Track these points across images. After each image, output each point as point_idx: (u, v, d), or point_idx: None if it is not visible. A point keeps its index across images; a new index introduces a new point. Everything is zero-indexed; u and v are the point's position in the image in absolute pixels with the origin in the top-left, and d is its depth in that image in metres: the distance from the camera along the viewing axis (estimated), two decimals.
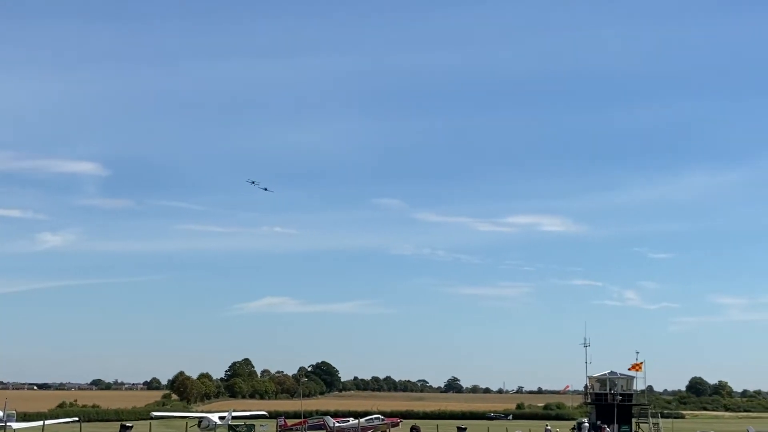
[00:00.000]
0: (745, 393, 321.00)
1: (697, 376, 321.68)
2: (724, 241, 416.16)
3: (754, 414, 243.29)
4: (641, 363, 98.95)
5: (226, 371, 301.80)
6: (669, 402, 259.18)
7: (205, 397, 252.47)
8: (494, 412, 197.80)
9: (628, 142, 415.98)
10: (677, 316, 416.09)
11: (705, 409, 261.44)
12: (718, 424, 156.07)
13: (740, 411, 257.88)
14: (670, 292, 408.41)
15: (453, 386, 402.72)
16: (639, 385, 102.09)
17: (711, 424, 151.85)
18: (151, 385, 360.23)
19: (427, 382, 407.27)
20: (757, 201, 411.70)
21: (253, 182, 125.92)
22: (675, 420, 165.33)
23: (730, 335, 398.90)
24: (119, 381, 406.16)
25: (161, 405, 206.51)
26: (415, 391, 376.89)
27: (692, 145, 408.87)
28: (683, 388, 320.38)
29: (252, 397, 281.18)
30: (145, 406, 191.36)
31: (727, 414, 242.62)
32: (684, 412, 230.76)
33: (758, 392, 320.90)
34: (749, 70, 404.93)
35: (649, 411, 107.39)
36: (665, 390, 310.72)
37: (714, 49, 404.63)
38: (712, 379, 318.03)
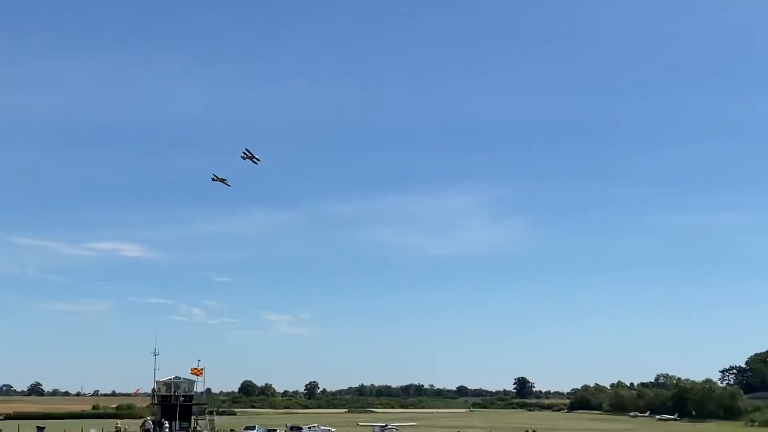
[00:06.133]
0: (285, 393, 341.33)
1: (248, 379, 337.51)
2: (276, 268, 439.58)
3: (293, 410, 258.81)
4: (202, 369, 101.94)
5: None
6: (224, 401, 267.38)
7: None
8: None
9: (194, 182, 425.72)
10: (234, 330, 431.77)
11: (253, 407, 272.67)
12: (262, 419, 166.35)
13: (281, 408, 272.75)
14: (230, 310, 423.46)
15: (35, 390, 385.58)
16: (199, 388, 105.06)
17: (257, 419, 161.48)
18: None
19: (12, 387, 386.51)
20: (307, 236, 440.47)
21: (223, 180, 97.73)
22: (229, 417, 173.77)
23: (276, 346, 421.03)
24: None
25: None
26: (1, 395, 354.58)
27: (255, 187, 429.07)
28: (236, 390, 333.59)
29: None
30: None
31: (270, 411, 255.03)
32: (236, 410, 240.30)
33: (296, 392, 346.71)
34: (308, 124, 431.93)
35: (207, 410, 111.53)
36: (221, 391, 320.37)
37: (286, 106, 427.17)
38: (260, 382, 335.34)
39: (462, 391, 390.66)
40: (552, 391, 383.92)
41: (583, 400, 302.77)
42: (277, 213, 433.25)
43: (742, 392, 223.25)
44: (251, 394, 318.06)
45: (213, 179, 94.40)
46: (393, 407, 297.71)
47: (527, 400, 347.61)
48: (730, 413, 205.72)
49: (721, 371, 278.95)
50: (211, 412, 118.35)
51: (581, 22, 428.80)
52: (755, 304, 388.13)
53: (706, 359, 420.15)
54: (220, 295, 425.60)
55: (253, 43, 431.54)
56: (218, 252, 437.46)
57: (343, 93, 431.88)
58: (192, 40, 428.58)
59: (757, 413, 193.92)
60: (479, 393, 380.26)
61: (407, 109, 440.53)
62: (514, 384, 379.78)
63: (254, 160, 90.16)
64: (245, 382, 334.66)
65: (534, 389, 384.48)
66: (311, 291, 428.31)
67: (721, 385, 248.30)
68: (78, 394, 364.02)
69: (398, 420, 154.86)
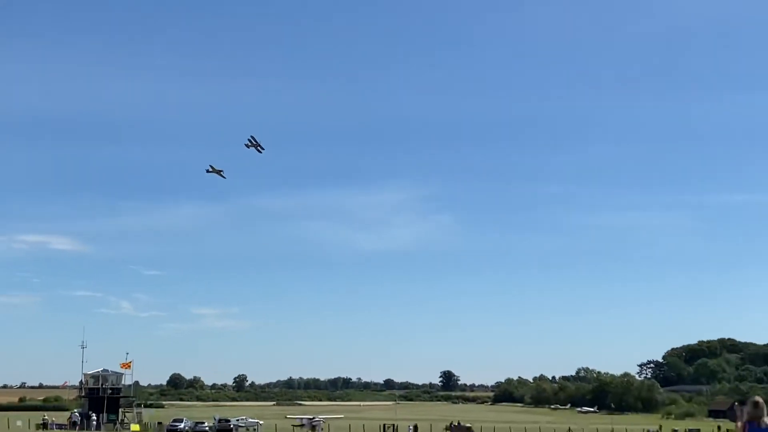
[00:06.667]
0: (214, 386, 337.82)
1: (177, 372, 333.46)
2: (205, 262, 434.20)
3: (221, 403, 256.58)
4: (130, 362, 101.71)
5: None
6: (152, 394, 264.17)
7: None
8: None
9: (124, 175, 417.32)
10: (163, 323, 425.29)
11: (182, 400, 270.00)
12: (190, 411, 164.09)
13: (209, 400, 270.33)
14: (158, 303, 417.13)
15: None
16: (127, 381, 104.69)
17: (185, 412, 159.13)
18: None
19: None
20: (237, 230, 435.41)
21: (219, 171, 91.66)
22: (157, 409, 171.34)
23: (205, 339, 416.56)
24: None
25: None
26: None
27: (185, 180, 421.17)
28: (165, 383, 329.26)
29: None
30: None
31: (199, 403, 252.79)
32: (164, 402, 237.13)
33: (224, 385, 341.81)
34: (240, 119, 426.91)
35: (134, 402, 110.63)
36: (150, 384, 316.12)
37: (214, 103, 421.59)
38: (188, 375, 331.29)
39: (389, 384, 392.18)
40: (477, 384, 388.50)
41: (506, 393, 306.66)
42: (208, 207, 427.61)
43: (659, 385, 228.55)
44: (179, 387, 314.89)
45: (208, 171, 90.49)
46: (321, 400, 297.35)
47: (452, 393, 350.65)
48: (648, 406, 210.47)
49: (640, 365, 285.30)
50: (138, 405, 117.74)
51: (508, 22, 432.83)
52: (672, 300, 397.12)
53: (625, 354, 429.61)
54: (149, 289, 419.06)
55: (185, 38, 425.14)
56: (147, 246, 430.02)
57: (276, 89, 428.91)
58: (124, 33, 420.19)
59: (673, 406, 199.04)
60: (406, 386, 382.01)
61: (341, 106, 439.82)
62: (440, 377, 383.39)
63: (259, 148, 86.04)
64: (173, 375, 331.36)
65: (459, 382, 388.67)
66: (240, 285, 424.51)
67: (639, 378, 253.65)
68: (4, 387, 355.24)
69: (325, 413, 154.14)
